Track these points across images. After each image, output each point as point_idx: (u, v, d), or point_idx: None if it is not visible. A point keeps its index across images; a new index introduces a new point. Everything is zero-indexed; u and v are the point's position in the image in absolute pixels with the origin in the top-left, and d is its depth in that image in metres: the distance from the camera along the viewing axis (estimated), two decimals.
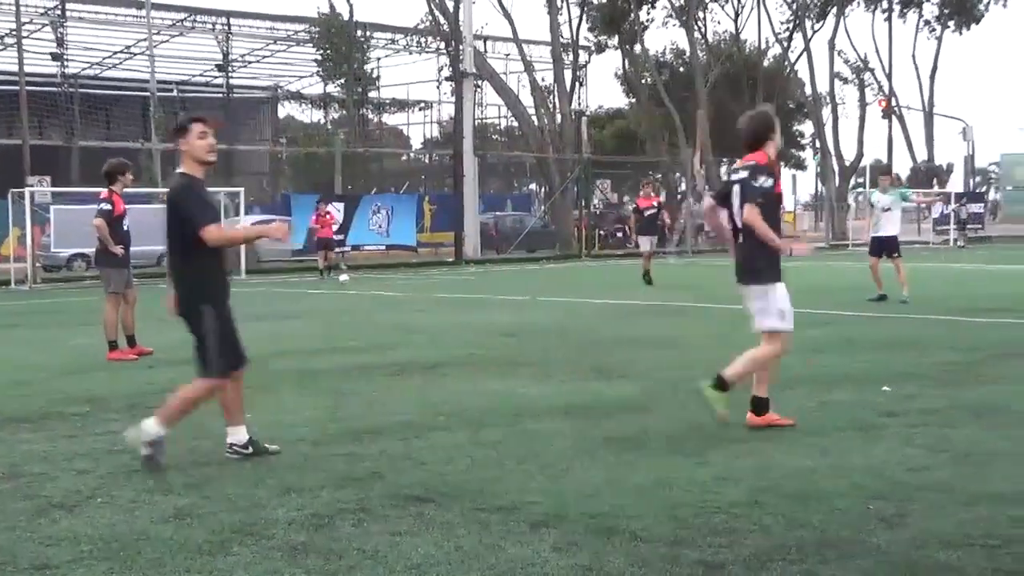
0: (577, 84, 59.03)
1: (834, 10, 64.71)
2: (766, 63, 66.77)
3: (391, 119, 78.07)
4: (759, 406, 8.51)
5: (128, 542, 5.76)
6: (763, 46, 67.02)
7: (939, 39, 69.01)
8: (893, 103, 65.35)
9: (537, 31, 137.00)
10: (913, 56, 70.36)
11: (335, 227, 37.55)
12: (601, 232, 52.10)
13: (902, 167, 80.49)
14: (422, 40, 62.74)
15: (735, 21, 66.09)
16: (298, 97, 71.44)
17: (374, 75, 65.44)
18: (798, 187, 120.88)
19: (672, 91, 61.37)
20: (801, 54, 65.32)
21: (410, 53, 65.41)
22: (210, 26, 59.45)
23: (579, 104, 60.33)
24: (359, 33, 59.50)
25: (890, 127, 63.75)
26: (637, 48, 63.29)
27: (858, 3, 67.13)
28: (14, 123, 46.05)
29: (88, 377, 12.04)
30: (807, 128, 76.79)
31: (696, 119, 55.36)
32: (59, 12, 52.83)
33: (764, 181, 8.39)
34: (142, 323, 14.49)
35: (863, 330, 15.34)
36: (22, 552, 5.64)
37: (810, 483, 6.69)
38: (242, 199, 37.67)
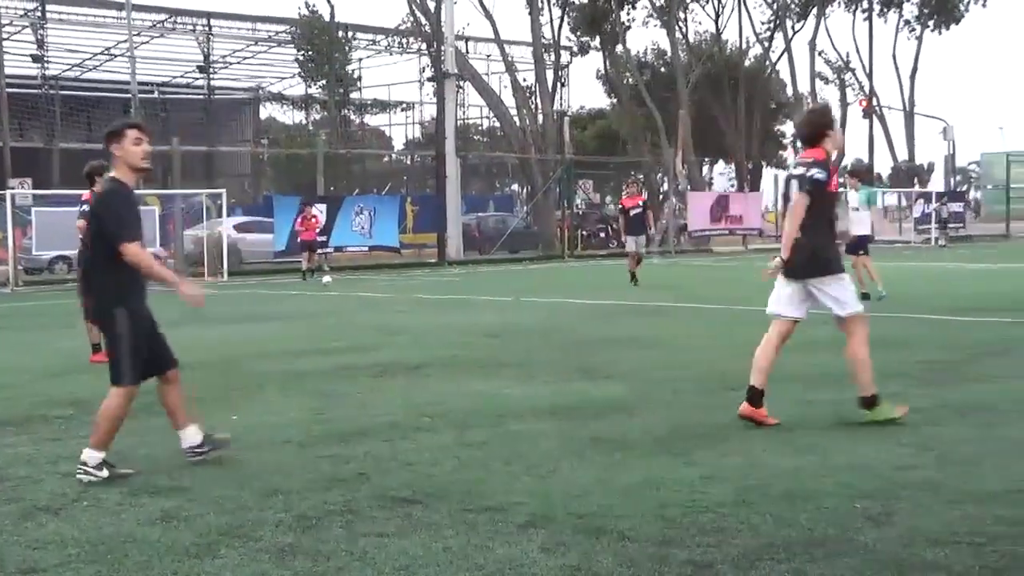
0: (559, 85, 59.10)
1: (814, 10, 64.88)
2: (747, 63, 66.92)
3: (373, 120, 78.03)
4: (755, 398, 8.53)
5: (115, 545, 5.74)
6: (744, 46, 67.21)
7: (919, 39, 69.22)
8: (874, 103, 65.51)
9: (519, 32, 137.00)
10: (893, 56, 70.44)
11: (318, 228, 37.51)
12: (584, 232, 52.10)
13: (883, 167, 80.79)
14: (403, 41, 62.68)
15: (716, 21, 66.31)
16: (280, 98, 71.28)
17: (355, 76, 65.40)
18: (780, 187, 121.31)
19: (654, 91, 61.45)
20: (782, 54, 65.56)
21: (391, 54, 65.40)
22: (191, 27, 59.28)
23: (561, 104, 60.42)
24: (340, 34, 59.44)
25: (871, 127, 63.95)
26: (619, 49, 63.38)
27: (838, 3, 67.32)
28: None
29: (71, 380, 11.99)
30: (788, 128, 76.99)
31: (678, 119, 55.46)
32: (39, 14, 52.61)
33: (817, 173, 8.41)
34: None
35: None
36: (9, 556, 5.62)
37: (797, 482, 6.70)
38: (224, 200, 37.61)
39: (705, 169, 73.40)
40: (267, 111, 76.99)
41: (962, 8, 67.58)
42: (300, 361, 13.10)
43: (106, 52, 58.34)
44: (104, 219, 7.36)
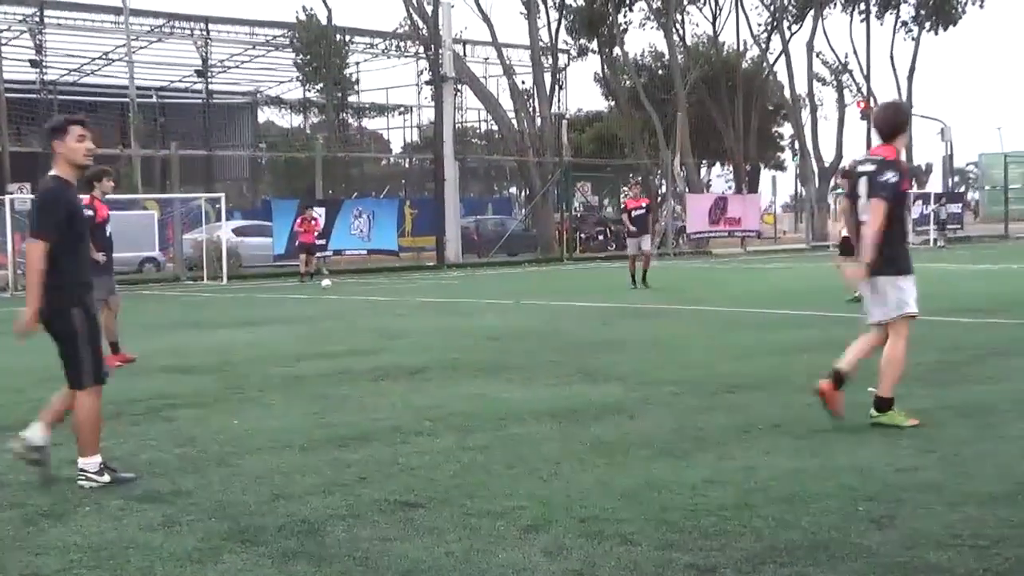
0: (557, 87, 59.07)
1: (812, 12, 64.87)
2: (745, 65, 66.90)
3: (371, 124, 78.05)
4: (837, 378, 8.53)
5: (117, 550, 5.74)
6: (742, 48, 67.21)
7: (916, 40, 69.21)
8: (872, 104, 65.47)
9: (516, 35, 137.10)
10: (891, 57, 70.39)
11: (317, 231, 37.55)
12: (582, 235, 52.13)
13: None
14: (401, 44, 62.69)
15: (713, 24, 66.32)
16: (278, 102, 71.30)
17: (353, 80, 65.39)
18: (778, 189, 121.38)
19: (651, 94, 61.47)
20: (779, 56, 65.48)
21: (389, 57, 65.39)
22: (189, 31, 59.27)
23: (559, 107, 60.35)
24: (338, 38, 59.43)
25: (869, 128, 63.79)
26: (616, 51, 63.40)
27: (835, 5, 67.31)
28: None
29: None
30: (786, 130, 77.04)
31: (676, 121, 55.49)
32: (38, 19, 52.61)
33: (891, 177, 8.38)
34: (125, 330, 14.45)
35: (845, 331, 15.32)
36: (11, 562, 5.61)
37: (799, 484, 6.69)
38: (223, 205, 37.61)
39: (703, 171, 73.36)
40: (265, 115, 77.09)
41: (960, 9, 67.57)
42: (300, 365, 13.10)
43: (104, 57, 58.33)
44: (32, 213, 7.29)
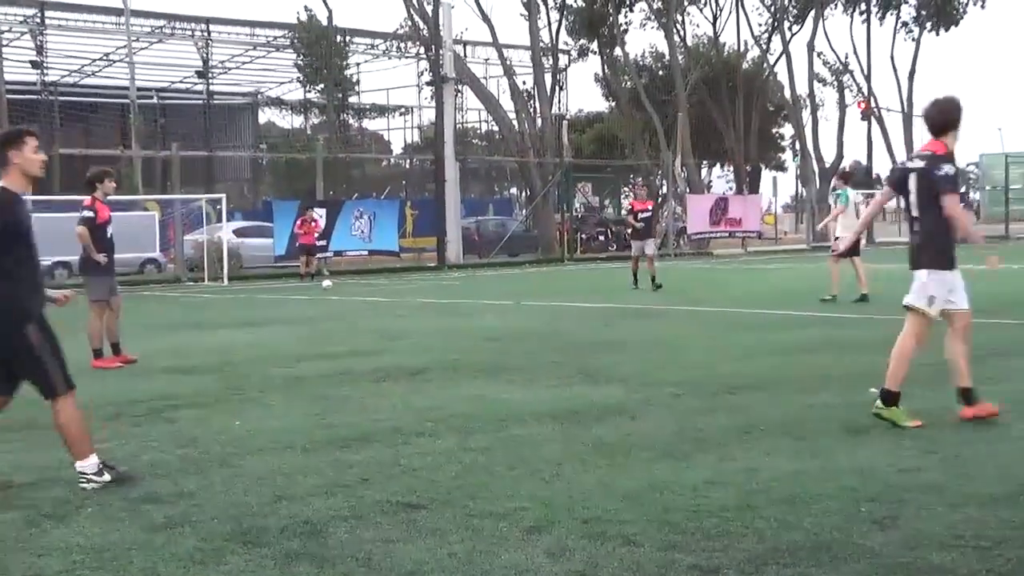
0: (557, 88, 59.07)
1: (812, 13, 64.86)
2: (745, 66, 66.92)
3: (372, 124, 78.09)
4: (967, 397, 8.53)
5: (120, 551, 5.74)
6: (742, 49, 67.23)
7: (917, 40, 69.19)
8: (872, 105, 65.49)
9: (517, 36, 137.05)
10: (892, 58, 70.37)
11: (317, 233, 37.58)
12: (583, 236, 52.13)
13: (882, 168, 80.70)
14: (402, 45, 62.72)
15: (714, 24, 66.35)
16: (278, 103, 71.30)
17: (354, 80, 65.41)
18: (778, 189, 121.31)
19: (652, 94, 61.49)
20: (780, 57, 65.48)
21: (390, 58, 65.44)
22: (189, 32, 59.29)
23: (559, 108, 60.38)
24: (338, 38, 59.43)
25: (869, 129, 63.85)
26: (617, 52, 63.41)
27: (836, 6, 67.30)
28: None
29: None
30: (787, 130, 77.06)
31: (676, 122, 55.49)
32: (38, 20, 52.64)
33: (949, 169, 8.40)
34: (126, 331, 14.45)
35: (847, 331, 15.37)
36: (14, 563, 5.61)
37: (800, 486, 6.69)
38: (224, 206, 37.61)
39: (704, 172, 73.38)
40: (266, 116, 77.09)
41: (961, 10, 67.55)
42: (301, 366, 13.11)
43: (105, 58, 58.34)
44: None
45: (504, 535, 5.85)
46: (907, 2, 68.00)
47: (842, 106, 68.51)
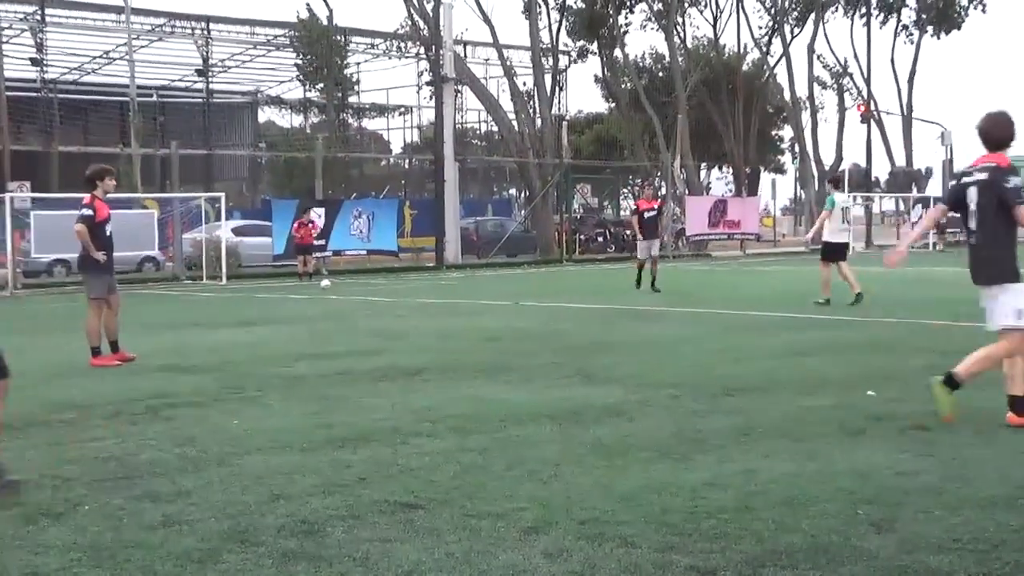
0: (557, 89, 59.06)
1: (813, 15, 64.90)
2: (745, 68, 66.95)
3: (371, 124, 78.11)
4: (1017, 405, 8.53)
5: (117, 550, 5.73)
6: (742, 51, 67.26)
7: (917, 44, 69.25)
8: (872, 108, 65.52)
9: (517, 36, 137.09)
10: (892, 61, 70.48)
11: (315, 233, 37.56)
12: (581, 237, 52.11)
13: (881, 172, 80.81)
14: (402, 45, 62.71)
15: (714, 26, 66.40)
16: (278, 102, 71.33)
17: (354, 80, 65.40)
18: (777, 192, 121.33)
19: (651, 96, 61.53)
20: (780, 59, 65.54)
21: (390, 58, 65.43)
22: (190, 31, 59.28)
23: (559, 109, 60.39)
24: (338, 38, 59.43)
25: (869, 132, 63.85)
26: (617, 53, 63.41)
27: (837, 8, 67.35)
28: None
29: (72, 383, 11.99)
30: (786, 133, 77.10)
31: (676, 124, 55.50)
32: (39, 17, 52.61)
33: (1017, 181, 8.40)
34: (125, 329, 14.45)
35: (845, 334, 15.37)
36: (11, 561, 5.61)
37: (798, 488, 6.69)
38: (223, 204, 37.60)
39: (703, 173, 73.42)
40: (265, 115, 77.18)
41: (962, 13, 67.61)
42: (300, 365, 13.10)
43: (105, 56, 58.33)
44: None
45: (502, 535, 5.85)
46: (908, 5, 68.08)
47: (841, 109, 68.62)
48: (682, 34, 65.06)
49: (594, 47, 64.15)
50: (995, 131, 8.68)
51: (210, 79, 63.35)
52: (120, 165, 42.86)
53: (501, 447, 8.07)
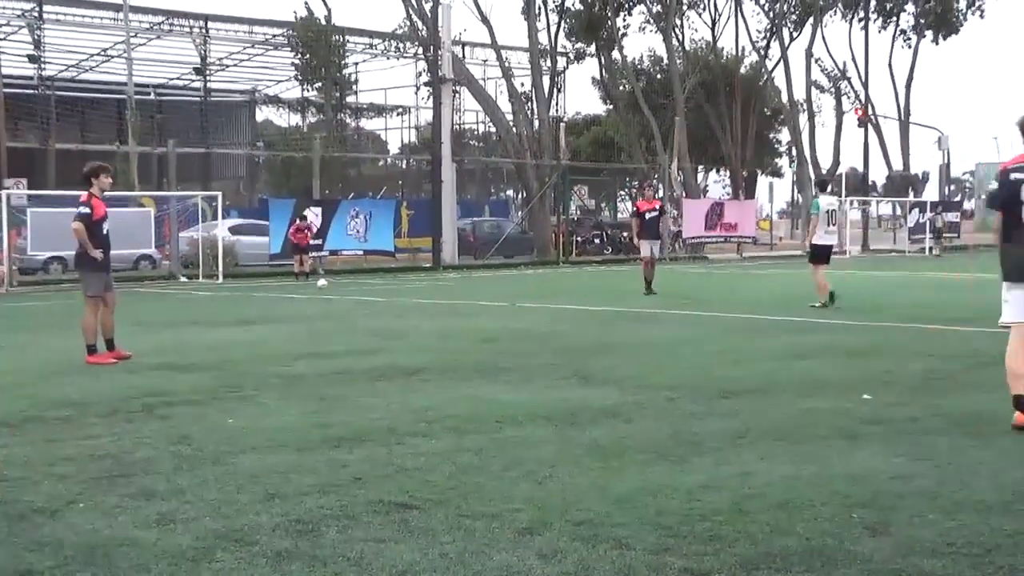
0: (555, 90, 59.10)
1: (811, 19, 64.95)
2: (743, 71, 66.97)
3: (369, 124, 78.13)
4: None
5: (111, 548, 5.72)
6: (740, 54, 67.28)
7: (915, 48, 69.32)
8: (869, 112, 65.58)
9: (515, 37, 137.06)
10: (889, 65, 70.54)
11: (311, 235, 37.57)
12: (578, 238, 52.14)
13: (878, 176, 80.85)
14: (400, 45, 62.71)
15: (712, 29, 66.35)
16: (276, 101, 71.33)
17: (352, 80, 65.41)
18: (775, 195, 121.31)
19: (649, 98, 61.58)
20: (778, 62, 65.56)
21: (388, 58, 65.42)
22: (188, 29, 59.29)
23: (557, 110, 60.41)
24: (337, 37, 59.44)
25: (866, 136, 63.96)
26: (615, 55, 63.43)
27: (835, 13, 67.41)
28: None
29: (67, 381, 11.97)
30: (784, 136, 77.13)
31: (674, 126, 55.50)
32: (36, 14, 52.59)
33: None
34: (121, 327, 14.44)
35: (841, 338, 15.37)
36: (4, 558, 5.59)
37: (794, 491, 6.68)
38: (219, 203, 37.61)
39: (700, 176, 73.39)
40: (263, 114, 77.19)
41: (960, 18, 67.69)
42: (297, 364, 13.09)
43: (103, 53, 58.34)
44: None
45: (496, 536, 5.84)
46: (906, 10, 68.14)
47: (839, 113, 68.68)
48: (680, 37, 65.10)
49: (592, 49, 64.21)
50: None
51: (208, 78, 63.40)
52: (117, 163, 42.80)
53: (497, 448, 8.07)
